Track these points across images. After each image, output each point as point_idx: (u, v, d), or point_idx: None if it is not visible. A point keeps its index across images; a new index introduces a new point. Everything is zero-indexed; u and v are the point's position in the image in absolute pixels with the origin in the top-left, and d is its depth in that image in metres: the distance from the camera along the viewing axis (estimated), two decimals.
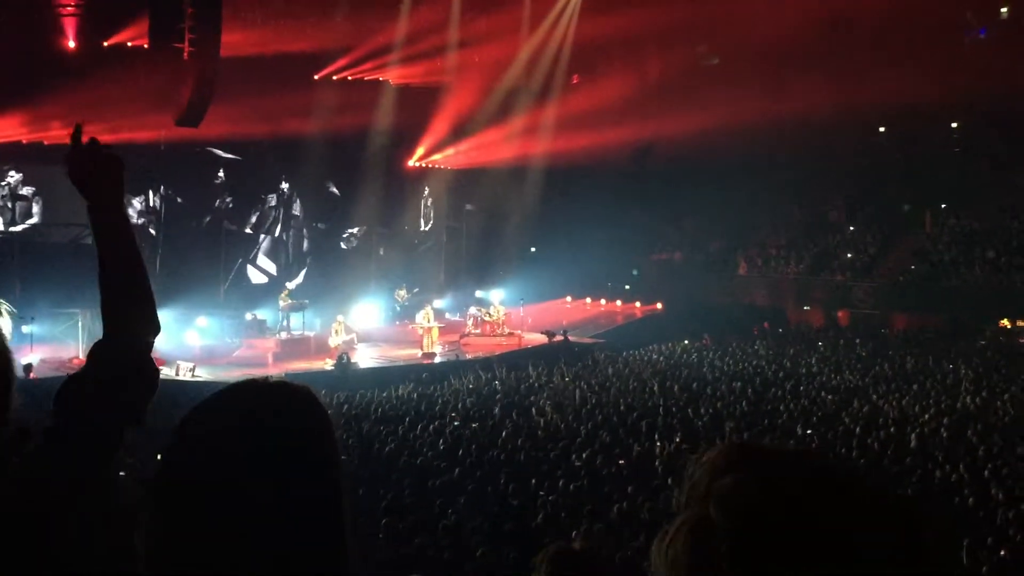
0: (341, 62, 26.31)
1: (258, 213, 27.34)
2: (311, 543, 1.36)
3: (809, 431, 14.24)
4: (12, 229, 22.10)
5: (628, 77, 29.00)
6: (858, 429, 14.11)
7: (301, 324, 23.76)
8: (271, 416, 1.40)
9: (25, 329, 17.84)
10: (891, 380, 19.27)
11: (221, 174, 26.02)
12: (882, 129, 32.41)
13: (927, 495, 10.26)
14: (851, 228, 32.70)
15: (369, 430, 14.00)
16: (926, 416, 15.17)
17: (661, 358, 23.19)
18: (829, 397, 17.24)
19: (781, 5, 25.03)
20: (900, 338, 26.19)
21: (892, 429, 14.12)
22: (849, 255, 31.32)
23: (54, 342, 20.26)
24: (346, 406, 16.30)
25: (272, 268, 27.38)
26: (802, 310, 30.79)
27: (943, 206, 31.23)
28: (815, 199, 34.01)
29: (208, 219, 25.78)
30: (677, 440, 13.27)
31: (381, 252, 29.96)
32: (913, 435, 13.47)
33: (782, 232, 33.56)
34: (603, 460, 11.91)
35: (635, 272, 32.87)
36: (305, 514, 1.36)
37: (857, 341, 25.32)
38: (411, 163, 30.23)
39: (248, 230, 26.91)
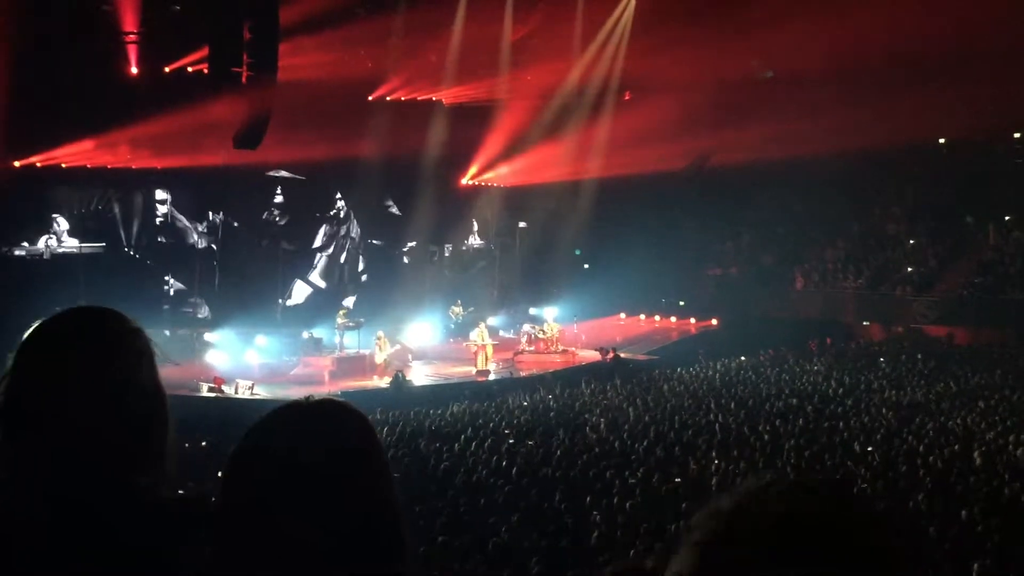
0: (395, 83, 26.64)
1: (315, 233, 27.76)
2: (368, 559, 1.39)
3: (870, 448, 13.97)
4: (78, 249, 22.68)
5: (681, 92, 28.86)
6: (921, 447, 13.80)
7: (357, 342, 23.99)
8: (321, 437, 1.44)
9: None
10: (955, 397, 18.81)
11: (279, 195, 26.49)
12: (942, 140, 31.78)
13: (994, 514, 9.98)
14: (911, 241, 32.08)
15: (425, 447, 14.08)
16: (992, 434, 14.78)
17: (717, 375, 22.94)
18: (890, 414, 16.89)
19: (839, 18, 24.70)
20: (964, 354, 25.56)
21: (956, 447, 13.79)
22: (910, 269, 30.71)
23: None
24: (401, 423, 16.41)
25: (322, 284, 27.77)
26: (861, 325, 30.23)
27: (1007, 218, 30.49)
28: (874, 212, 33.45)
29: (266, 239, 26.23)
30: (735, 456, 13.12)
31: (435, 270, 30.17)
32: (978, 453, 13.14)
33: (840, 246, 33.04)
34: (659, 478, 11.81)
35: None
36: (360, 530, 1.39)
37: (919, 357, 24.77)
38: (464, 181, 30.43)
39: (305, 249, 27.32)
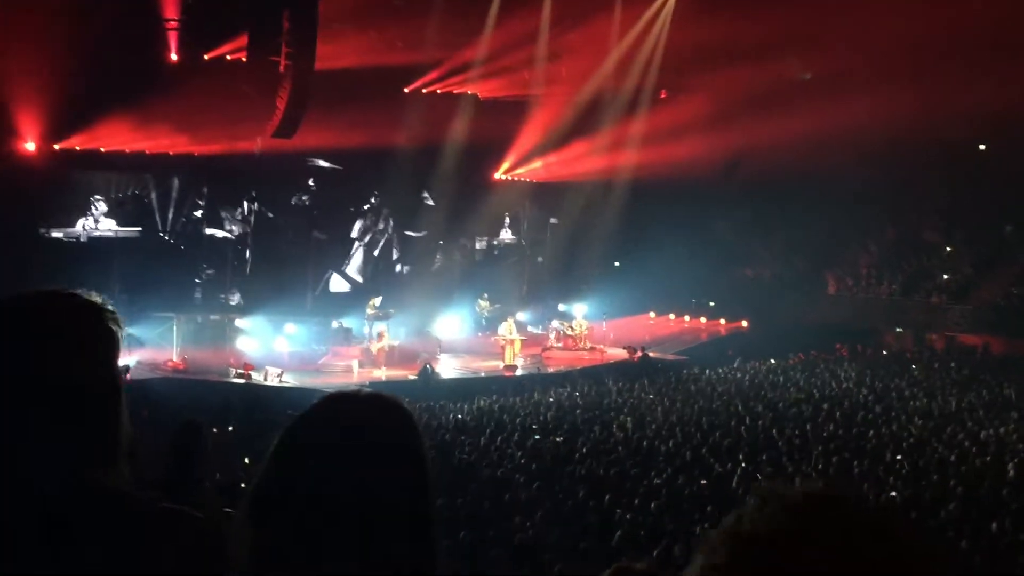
0: (431, 75, 26.67)
1: (348, 223, 27.89)
2: (408, 552, 1.39)
3: (899, 456, 13.79)
4: (114, 233, 22.95)
5: (717, 92, 28.64)
6: (952, 456, 13.61)
7: (386, 333, 24.08)
8: (370, 430, 1.44)
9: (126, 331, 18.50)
10: (989, 407, 18.52)
11: (312, 184, 26.63)
12: (982, 147, 31.27)
13: None
14: (947, 248, 31.62)
15: (450, 440, 14.10)
16: None
17: (746, 377, 22.78)
18: (922, 422, 16.67)
19: (876, 20, 24.40)
20: (998, 363, 25.15)
21: (988, 457, 13.57)
22: (945, 276, 30.29)
23: (151, 345, 20.97)
24: (426, 415, 16.47)
25: (358, 278, 27.90)
26: (894, 332, 29.87)
27: None
28: (909, 217, 33.02)
29: (298, 228, 26.39)
30: (761, 460, 13.01)
31: (466, 264, 30.21)
32: (1011, 464, 12.93)
33: (874, 251, 32.65)
34: (684, 479, 11.74)
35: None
36: (404, 523, 1.40)
37: (952, 365, 24.43)
38: (497, 176, 30.42)
39: (337, 238, 27.45)
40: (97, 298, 1.70)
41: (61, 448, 1.53)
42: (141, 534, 1.53)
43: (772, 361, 25.12)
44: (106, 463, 1.59)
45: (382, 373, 21.74)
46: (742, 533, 0.98)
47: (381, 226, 28.61)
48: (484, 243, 31.61)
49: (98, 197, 22.84)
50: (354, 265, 28.08)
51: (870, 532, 0.97)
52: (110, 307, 1.70)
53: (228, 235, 25.20)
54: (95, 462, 1.57)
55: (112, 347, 1.68)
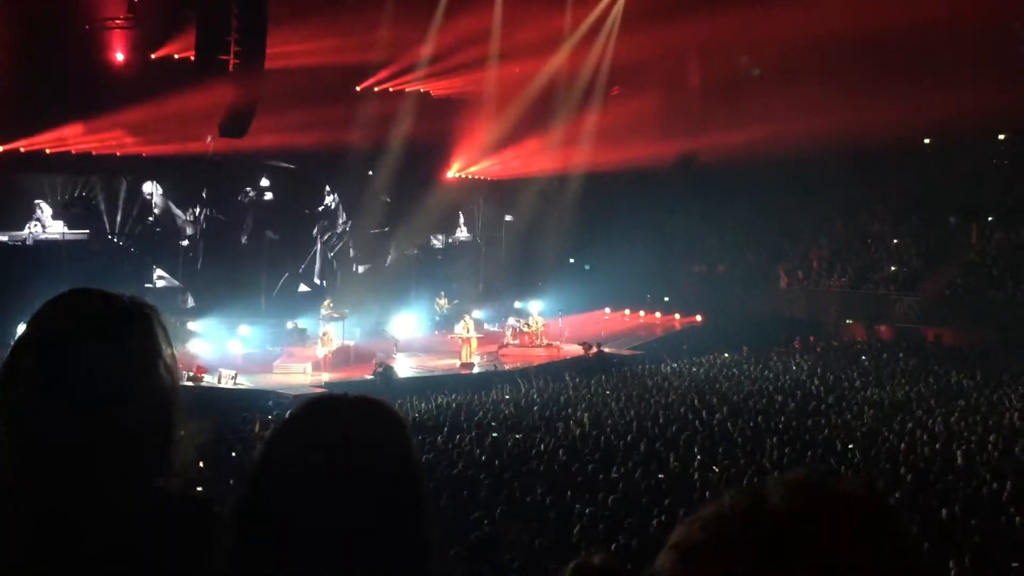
0: (382, 74, 26.55)
1: (302, 224, 27.65)
2: (402, 557, 1.38)
3: (851, 446, 14.04)
4: (62, 236, 22.52)
5: (669, 89, 28.89)
6: (902, 445, 13.89)
7: (341, 333, 23.91)
8: (358, 439, 1.40)
9: None
10: (936, 396, 18.92)
11: (265, 184, 26.36)
12: (927, 141, 31.92)
13: (973, 513, 10.05)
14: (895, 241, 32.24)
15: None
16: (971, 434, 14.87)
17: (701, 371, 23.01)
18: (872, 412, 16.98)
19: (824, 18, 24.76)
20: (946, 354, 25.71)
21: (937, 445, 13.87)
22: (893, 268, 30.87)
23: None
24: None
25: (318, 281, 27.71)
26: (844, 323, 30.39)
27: (990, 219, 30.68)
28: (858, 212, 33.60)
29: (250, 228, 26.11)
30: (717, 452, 13.16)
31: (421, 262, 30.12)
32: (959, 452, 13.23)
33: (824, 245, 33.18)
34: (641, 473, 11.83)
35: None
36: (397, 530, 1.37)
37: (901, 356, 24.92)
38: (451, 174, 30.37)
39: (290, 239, 27.19)
40: (145, 299, 1.71)
41: (128, 455, 1.54)
42: (202, 536, 1.54)
43: (727, 355, 25.40)
44: (168, 468, 1.60)
45: (335, 375, 21.56)
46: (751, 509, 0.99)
47: (336, 225, 28.42)
48: (440, 241, 31.56)
49: (37, 201, 22.37)
50: (312, 267, 27.86)
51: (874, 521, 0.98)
52: (151, 304, 1.70)
53: (179, 235, 24.86)
54: (160, 468, 1.59)
55: (161, 345, 1.67)
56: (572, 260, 32.57)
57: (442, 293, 28.24)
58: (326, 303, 24.17)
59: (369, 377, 20.94)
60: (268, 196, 26.47)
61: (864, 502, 0.99)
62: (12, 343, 1.63)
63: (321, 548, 1.33)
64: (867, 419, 16.32)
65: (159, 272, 24.44)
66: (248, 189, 26.00)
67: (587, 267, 32.46)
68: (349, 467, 1.37)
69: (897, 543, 0.98)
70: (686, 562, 0.97)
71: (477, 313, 27.41)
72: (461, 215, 32.02)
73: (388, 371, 21.01)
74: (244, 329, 23.00)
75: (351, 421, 1.43)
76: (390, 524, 1.37)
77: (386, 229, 28.52)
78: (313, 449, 1.38)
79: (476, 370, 23.01)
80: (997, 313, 26.81)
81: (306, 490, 1.35)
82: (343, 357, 22.73)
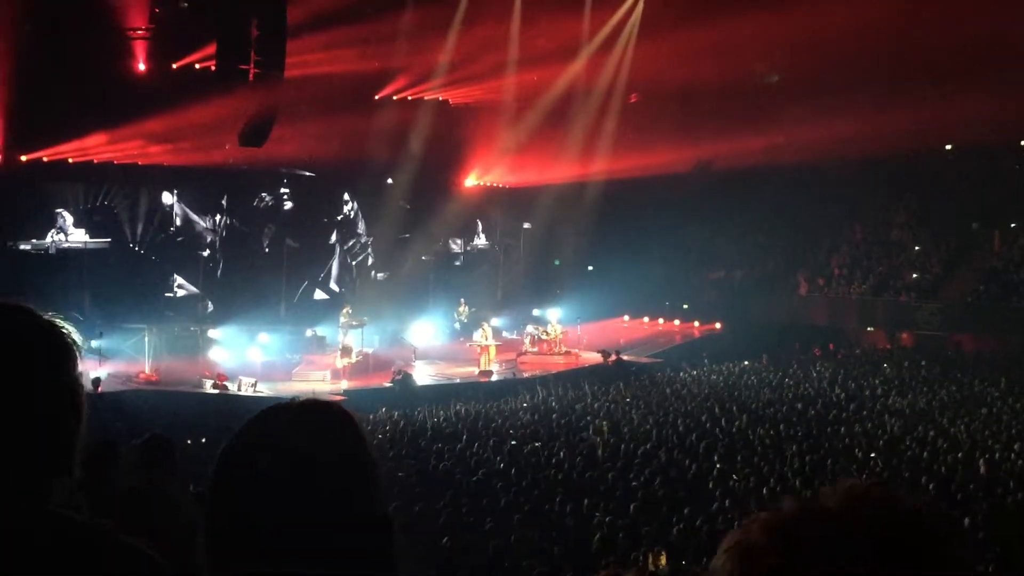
0: (401, 82, 26.64)
1: (323, 233, 27.75)
2: (356, 552, 1.40)
3: (872, 455, 13.93)
4: (83, 244, 22.69)
5: (687, 95, 28.84)
6: (925, 454, 13.77)
7: (360, 341, 23.98)
8: (307, 442, 1.44)
9: (94, 344, 18.32)
10: (959, 404, 18.76)
11: (284, 192, 26.50)
12: (948, 147, 31.69)
13: (996, 522, 9.95)
14: (916, 247, 32.00)
15: (427, 447, 14.07)
16: (994, 442, 14.73)
17: (720, 378, 22.91)
18: (894, 421, 16.85)
19: (844, 24, 24.66)
20: (968, 361, 25.49)
21: (959, 454, 13.75)
22: (914, 275, 30.65)
23: (121, 356, 20.75)
24: (403, 423, 16.42)
25: (336, 288, 27.80)
26: (865, 331, 30.18)
27: (1012, 225, 30.42)
28: (878, 217, 33.40)
29: (270, 237, 26.24)
30: (737, 461, 13.09)
31: (439, 270, 30.16)
32: (982, 461, 13.10)
33: (844, 251, 32.99)
34: (661, 481, 11.79)
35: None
36: (347, 525, 1.40)
37: (923, 363, 24.72)
38: (469, 182, 30.41)
39: (310, 247, 27.29)
40: (47, 313, 1.62)
41: (16, 471, 1.48)
42: (95, 566, 1.49)
43: (746, 363, 25.29)
44: (52, 486, 1.53)
45: (354, 382, 21.63)
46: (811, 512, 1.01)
47: (356, 234, 28.51)
48: (459, 246, 31.62)
49: (59, 210, 22.57)
50: (331, 274, 27.95)
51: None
52: (61, 320, 1.62)
53: (199, 244, 25.01)
54: (44, 485, 1.52)
55: (67, 362, 1.59)
56: (591, 267, 32.53)
57: (462, 300, 28.27)
58: (345, 311, 24.25)
59: (388, 385, 21.00)
60: (288, 204, 26.59)
61: (916, 515, 1.01)
62: None
63: (279, 549, 1.37)
64: (889, 427, 16.19)
65: (179, 280, 24.57)
66: (264, 194, 26.11)
67: (590, 268, 32.41)
68: (295, 469, 1.40)
69: (941, 556, 0.99)
70: (743, 562, 0.99)
71: (495, 321, 27.42)
72: (479, 223, 32.05)
73: (407, 379, 21.07)
74: (264, 337, 23.09)
75: (297, 425, 1.46)
76: (341, 520, 1.40)
77: (406, 236, 28.57)
78: (261, 453, 1.42)
79: (495, 378, 23.01)
80: (1019, 320, 26.56)
81: (257, 493, 1.39)
82: (362, 365, 22.81)
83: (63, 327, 1.61)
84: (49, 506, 1.51)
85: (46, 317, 1.60)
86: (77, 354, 1.61)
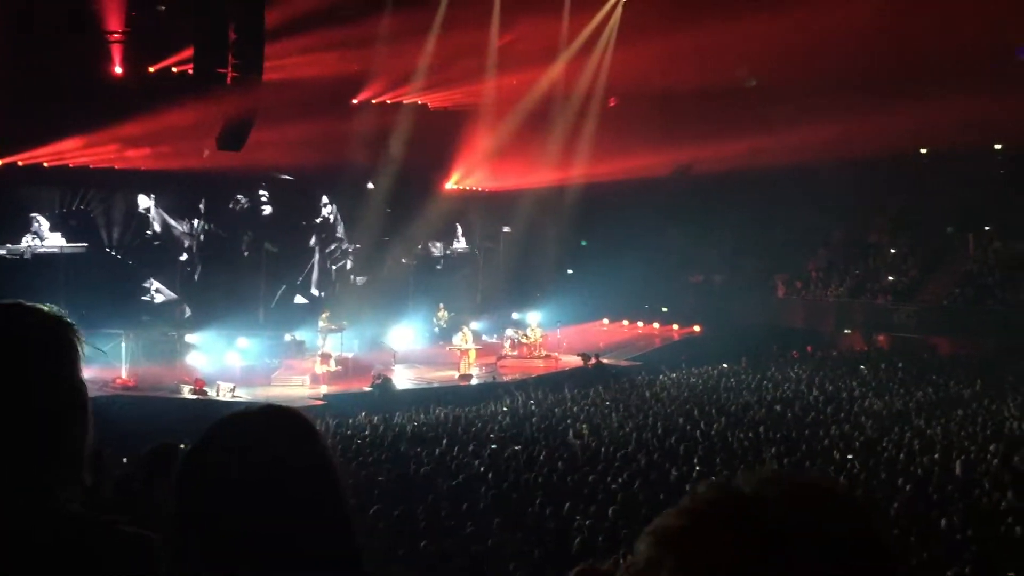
0: (379, 86, 26.60)
1: (301, 237, 27.65)
2: (322, 554, 1.43)
3: (850, 456, 14.03)
4: (59, 248, 22.50)
5: (666, 99, 28.96)
6: (901, 455, 13.88)
7: (340, 345, 23.90)
8: (263, 448, 1.47)
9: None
10: (935, 405, 18.93)
11: (263, 196, 26.38)
12: (924, 151, 31.97)
13: (973, 522, 10.04)
14: (893, 251, 32.28)
15: (406, 452, 14.04)
16: (970, 443, 14.87)
17: (699, 381, 23.00)
18: (871, 422, 16.98)
19: (822, 29, 24.84)
20: (944, 363, 25.73)
21: (936, 455, 13.87)
22: (891, 278, 30.90)
23: (99, 362, 20.54)
24: (382, 427, 16.38)
25: (316, 293, 27.71)
26: (842, 333, 30.39)
27: (987, 229, 30.73)
28: (855, 221, 33.66)
29: (248, 241, 26.11)
30: (716, 463, 13.14)
31: (419, 274, 30.13)
32: (958, 461, 13.22)
33: (822, 255, 33.23)
34: (641, 484, 11.82)
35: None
36: (311, 526, 1.44)
37: (899, 365, 24.93)
38: (449, 185, 30.39)
39: (288, 252, 27.18)
40: (55, 310, 1.66)
41: (19, 467, 1.50)
42: (99, 558, 1.51)
43: (725, 365, 25.40)
44: (64, 483, 1.55)
45: (333, 387, 21.57)
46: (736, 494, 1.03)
47: (335, 238, 28.42)
48: (439, 249, 31.59)
49: (34, 215, 22.37)
50: (310, 279, 27.85)
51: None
52: (68, 319, 1.66)
53: (176, 248, 24.85)
54: (53, 482, 1.53)
55: (73, 360, 1.62)
56: (570, 271, 32.60)
57: (441, 305, 28.23)
58: (324, 315, 24.18)
59: (367, 389, 20.94)
60: (267, 209, 26.47)
61: (831, 492, 1.03)
62: None
63: (245, 552, 1.39)
64: (866, 429, 16.31)
65: (157, 285, 24.42)
66: (240, 197, 25.96)
67: (569, 271, 32.50)
68: (258, 473, 1.43)
69: (861, 530, 1.01)
70: (661, 545, 1.02)
71: (475, 324, 27.41)
72: (459, 226, 32.04)
73: (386, 383, 21.02)
74: (242, 342, 22.96)
75: (255, 430, 1.50)
76: (305, 522, 1.43)
77: (386, 239, 28.51)
78: (218, 469, 1.45)
79: (475, 382, 23.01)
80: (994, 322, 26.84)
81: (219, 496, 1.43)
82: (341, 369, 22.74)
83: (69, 323, 1.64)
84: (52, 502, 1.52)
85: (52, 314, 1.64)
86: (80, 352, 1.64)
